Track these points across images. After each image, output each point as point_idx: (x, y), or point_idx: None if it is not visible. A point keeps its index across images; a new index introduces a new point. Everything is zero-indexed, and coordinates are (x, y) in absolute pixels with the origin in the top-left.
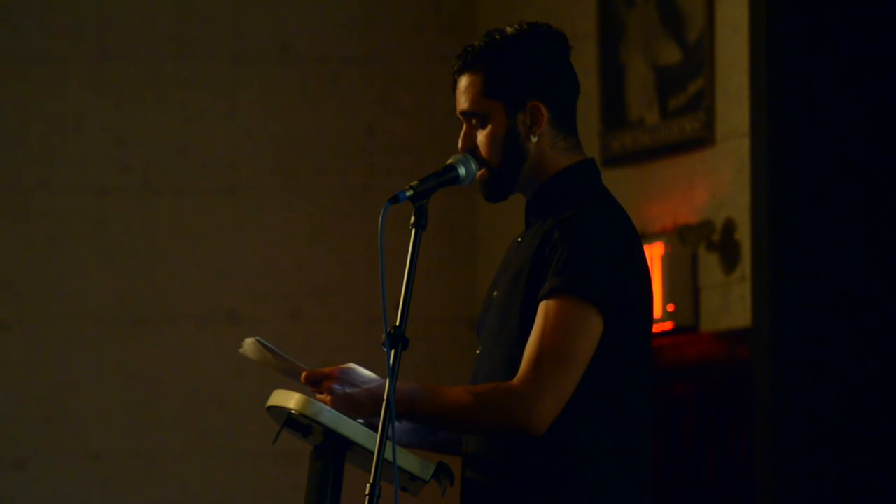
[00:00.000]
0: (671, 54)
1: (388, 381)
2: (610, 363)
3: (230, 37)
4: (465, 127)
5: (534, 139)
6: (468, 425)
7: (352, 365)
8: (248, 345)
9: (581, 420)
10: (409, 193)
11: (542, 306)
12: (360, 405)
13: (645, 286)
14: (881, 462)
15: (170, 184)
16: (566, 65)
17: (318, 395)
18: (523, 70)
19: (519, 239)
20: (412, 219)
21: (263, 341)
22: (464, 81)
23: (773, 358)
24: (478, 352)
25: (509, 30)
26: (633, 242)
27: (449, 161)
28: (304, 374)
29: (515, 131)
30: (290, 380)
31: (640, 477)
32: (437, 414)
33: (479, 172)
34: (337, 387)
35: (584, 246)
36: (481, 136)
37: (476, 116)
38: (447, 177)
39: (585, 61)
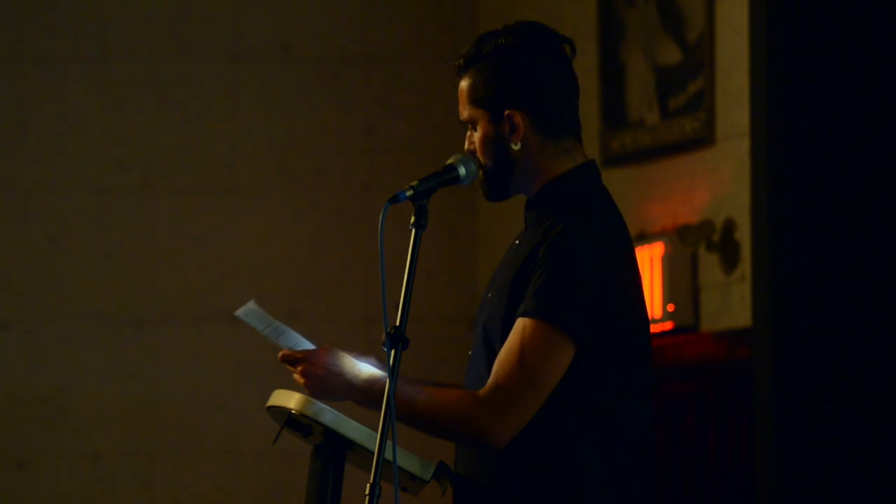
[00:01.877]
0: (671, 54)
1: (372, 377)
2: (598, 378)
3: (230, 37)
4: (469, 129)
5: (515, 147)
6: (435, 431)
7: (327, 349)
8: (245, 309)
9: (570, 434)
10: (409, 193)
11: (518, 323)
12: (332, 388)
13: (633, 299)
14: (881, 462)
15: (170, 184)
16: (555, 69)
17: (294, 376)
18: (499, 81)
19: (517, 241)
20: (412, 219)
21: (246, 312)
22: (460, 86)
23: (773, 358)
24: (470, 352)
25: (499, 39)
26: (619, 257)
27: (449, 161)
28: (280, 354)
29: (500, 137)
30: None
31: (633, 487)
32: (410, 413)
33: (480, 172)
34: (309, 370)
35: (563, 269)
36: (475, 140)
37: (469, 121)
38: (447, 177)
39: (585, 61)
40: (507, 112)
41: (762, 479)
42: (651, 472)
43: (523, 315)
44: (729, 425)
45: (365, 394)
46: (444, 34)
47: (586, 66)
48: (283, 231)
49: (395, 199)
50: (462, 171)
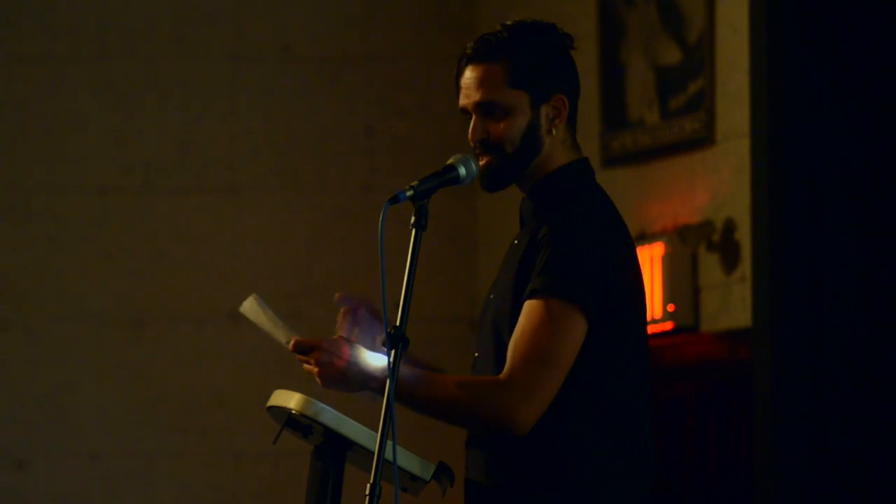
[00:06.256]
0: (671, 54)
1: (388, 380)
2: (601, 362)
3: (230, 37)
4: (474, 119)
5: (554, 132)
6: (455, 419)
7: (344, 340)
8: (248, 303)
9: (576, 419)
10: (409, 193)
11: (526, 306)
12: (346, 378)
13: (634, 284)
14: (881, 462)
15: (170, 184)
16: (574, 62)
17: (305, 366)
18: (549, 61)
19: (515, 241)
20: (412, 219)
21: (260, 301)
22: (480, 71)
23: (773, 358)
24: (476, 354)
25: (525, 22)
26: (621, 241)
27: (449, 161)
28: (292, 342)
29: (537, 123)
30: (282, 346)
31: (639, 475)
32: (429, 402)
33: (486, 160)
34: (325, 358)
35: (568, 246)
36: (500, 126)
37: (497, 107)
38: (447, 177)
39: (585, 61)
40: (557, 95)
41: (762, 479)
42: (652, 460)
43: (531, 295)
44: (729, 425)
45: (383, 383)
46: (444, 34)
47: (586, 67)
48: (283, 231)
49: (395, 200)
50: (462, 171)
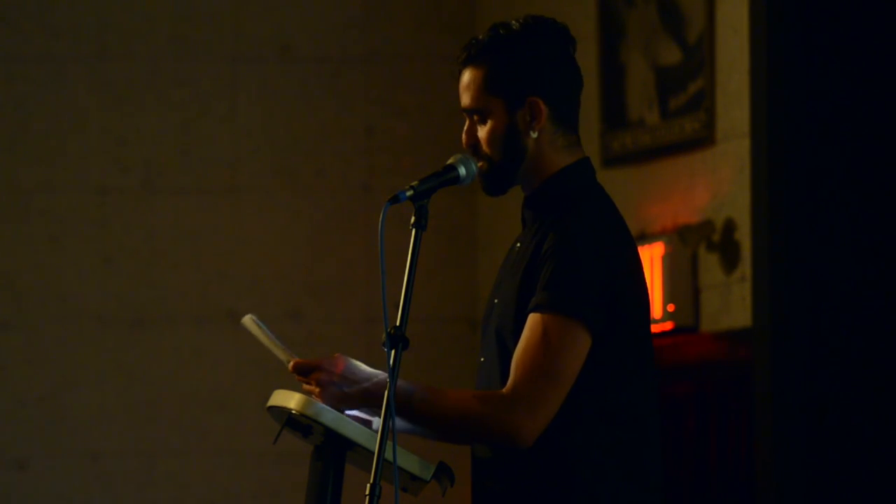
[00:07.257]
0: (671, 54)
1: (388, 380)
2: (608, 373)
3: (230, 37)
4: (467, 122)
5: (533, 135)
6: (457, 432)
7: (341, 356)
8: (247, 319)
9: (584, 429)
10: (409, 193)
11: (530, 319)
12: (348, 397)
13: (639, 292)
14: (881, 461)
15: (170, 184)
16: (568, 60)
17: (305, 386)
18: (523, 65)
19: (518, 244)
20: (412, 219)
21: (257, 321)
22: (466, 76)
23: (773, 358)
24: (481, 359)
25: (514, 24)
26: (626, 248)
27: (449, 161)
28: (291, 363)
29: (515, 128)
30: (281, 363)
31: (646, 484)
32: (430, 415)
33: (480, 166)
34: (325, 378)
35: (572, 259)
36: (482, 132)
37: (477, 113)
38: (447, 177)
39: (585, 61)
40: (530, 98)
41: (762, 479)
42: (659, 464)
43: (535, 310)
44: (729, 425)
45: (381, 400)
46: (444, 34)
47: (586, 67)
48: (283, 231)
49: (395, 200)
50: (462, 171)
